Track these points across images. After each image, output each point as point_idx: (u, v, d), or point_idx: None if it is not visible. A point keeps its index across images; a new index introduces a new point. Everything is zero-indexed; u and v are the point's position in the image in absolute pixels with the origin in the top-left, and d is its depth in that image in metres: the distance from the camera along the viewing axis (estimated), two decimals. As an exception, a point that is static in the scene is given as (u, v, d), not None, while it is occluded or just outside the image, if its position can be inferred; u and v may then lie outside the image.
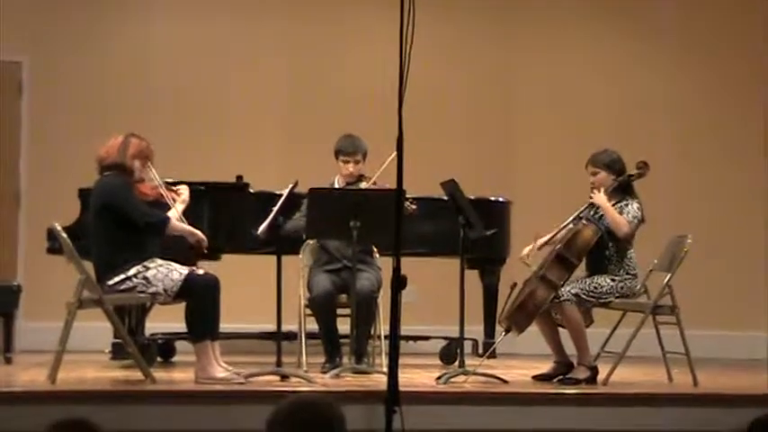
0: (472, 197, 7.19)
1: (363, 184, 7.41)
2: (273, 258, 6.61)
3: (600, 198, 6.94)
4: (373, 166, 7.41)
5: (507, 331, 6.94)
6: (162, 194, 6.61)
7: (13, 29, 9.57)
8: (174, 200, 6.67)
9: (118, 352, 7.83)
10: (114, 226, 6.38)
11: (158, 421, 5.82)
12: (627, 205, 6.96)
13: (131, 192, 6.46)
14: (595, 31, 10.50)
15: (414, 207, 6.99)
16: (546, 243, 7.08)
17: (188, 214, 6.77)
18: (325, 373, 7.02)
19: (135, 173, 6.53)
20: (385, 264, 7.28)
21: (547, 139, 10.30)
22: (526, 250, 7.09)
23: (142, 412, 5.86)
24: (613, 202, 6.96)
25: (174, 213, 6.61)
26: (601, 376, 6.84)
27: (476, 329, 8.51)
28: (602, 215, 6.97)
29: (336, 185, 7.54)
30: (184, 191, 6.74)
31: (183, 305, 6.43)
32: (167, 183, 6.75)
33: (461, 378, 6.62)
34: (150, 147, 6.61)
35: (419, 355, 8.78)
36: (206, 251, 6.73)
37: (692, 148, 10.42)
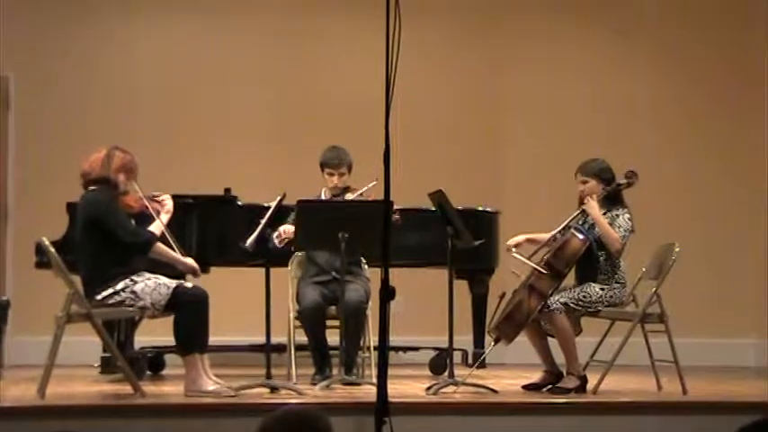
0: (460, 207, 7.21)
1: (349, 196, 7.42)
2: (262, 271, 6.62)
3: (594, 211, 6.94)
4: (359, 177, 7.42)
5: (496, 341, 6.96)
6: (146, 206, 6.60)
7: (-1, 44, 9.58)
8: (159, 211, 6.66)
9: (107, 366, 7.82)
10: (101, 240, 6.38)
11: (148, 435, 5.83)
12: (618, 216, 6.97)
13: (117, 208, 6.45)
14: (581, 36, 10.50)
15: (397, 218, 7.00)
16: (534, 253, 7.09)
17: (176, 227, 6.77)
18: (314, 384, 7.02)
19: (119, 186, 6.52)
20: (373, 275, 7.29)
21: (534, 147, 10.31)
22: (513, 241, 7.11)
23: (132, 426, 5.87)
24: (603, 212, 6.98)
25: (159, 225, 6.60)
26: (590, 385, 6.85)
27: (465, 340, 8.51)
28: (592, 224, 6.98)
29: (323, 198, 7.55)
30: (168, 201, 6.73)
31: (172, 318, 6.43)
32: (151, 194, 6.75)
33: (451, 388, 6.63)
34: (135, 160, 6.60)
35: (408, 365, 8.77)
36: (199, 275, 6.73)
37: (680, 155, 10.43)
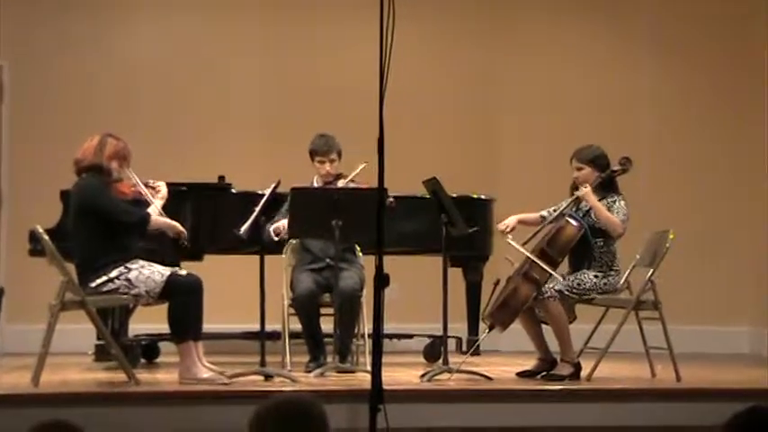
0: (454, 195, 7.20)
1: (341, 183, 7.41)
2: (256, 258, 6.62)
3: (591, 198, 6.94)
4: (351, 164, 7.41)
5: (491, 328, 6.97)
6: (140, 192, 6.60)
7: (-7, 32, 9.56)
8: (153, 196, 6.67)
9: (101, 353, 7.82)
10: (95, 227, 6.37)
11: (142, 422, 5.83)
12: (614, 203, 6.98)
13: (110, 191, 6.45)
14: (578, 29, 10.51)
15: (391, 200, 6.99)
16: (528, 240, 7.09)
17: (170, 214, 6.76)
18: (309, 372, 7.02)
19: (112, 173, 6.51)
20: (368, 262, 7.29)
21: (528, 135, 10.31)
22: (506, 226, 7.10)
23: (126, 414, 5.86)
24: (598, 198, 6.98)
25: (154, 209, 6.61)
26: (584, 372, 6.86)
27: (459, 327, 8.53)
28: (587, 211, 6.99)
29: (315, 186, 7.54)
30: (162, 186, 6.73)
31: (166, 306, 6.43)
32: (145, 181, 6.75)
33: (445, 376, 6.64)
34: (128, 147, 6.59)
35: (403, 353, 8.79)
36: (187, 243, 6.71)
37: (674, 143, 10.45)
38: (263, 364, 6.55)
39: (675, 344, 6.98)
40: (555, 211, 7.14)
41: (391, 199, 6.98)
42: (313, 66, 10.10)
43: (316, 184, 7.56)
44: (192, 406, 5.95)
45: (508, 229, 7.08)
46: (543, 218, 7.16)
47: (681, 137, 10.47)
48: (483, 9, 10.37)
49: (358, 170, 7.25)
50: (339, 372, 6.93)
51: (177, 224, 6.64)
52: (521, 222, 7.17)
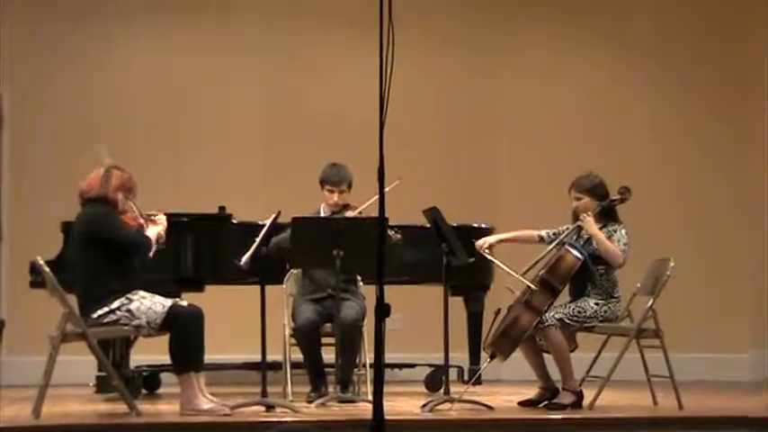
0: (455, 224, 7.21)
1: (349, 214, 7.41)
2: (257, 289, 6.62)
3: (592, 228, 6.95)
4: (356, 193, 7.43)
5: (492, 357, 6.96)
6: (143, 225, 6.61)
7: (-8, 61, 9.59)
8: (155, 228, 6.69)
9: (102, 385, 7.81)
10: (98, 257, 6.37)
11: (144, 454, 5.82)
12: (615, 232, 6.98)
13: (116, 217, 6.46)
14: (576, 52, 10.55)
15: (399, 237, 7.02)
16: (528, 269, 7.09)
17: (171, 245, 6.77)
18: (310, 402, 7.01)
19: (118, 204, 6.52)
20: (369, 292, 7.29)
21: (528, 163, 10.32)
22: (484, 241, 7.14)
23: (127, 445, 5.86)
24: (599, 227, 6.98)
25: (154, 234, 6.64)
26: (586, 401, 6.85)
27: (461, 356, 8.51)
28: (586, 240, 6.99)
29: (322, 214, 7.55)
30: (161, 218, 6.74)
31: (167, 336, 6.42)
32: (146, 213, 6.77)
33: (447, 405, 6.63)
34: (132, 178, 6.61)
35: (404, 382, 8.78)
36: (164, 245, 6.69)
37: (674, 169, 10.46)
38: (264, 394, 6.54)
39: (677, 371, 6.97)
40: (555, 234, 7.14)
41: (399, 235, 7.01)
42: (313, 95, 10.12)
43: (323, 213, 7.56)
44: (194, 437, 5.95)
45: (486, 245, 7.11)
46: (541, 237, 7.16)
47: (679, 163, 10.48)
48: (480, 36, 10.40)
49: (392, 186, 7.16)
50: (340, 402, 6.92)
51: (160, 230, 6.66)
52: (512, 240, 7.20)
